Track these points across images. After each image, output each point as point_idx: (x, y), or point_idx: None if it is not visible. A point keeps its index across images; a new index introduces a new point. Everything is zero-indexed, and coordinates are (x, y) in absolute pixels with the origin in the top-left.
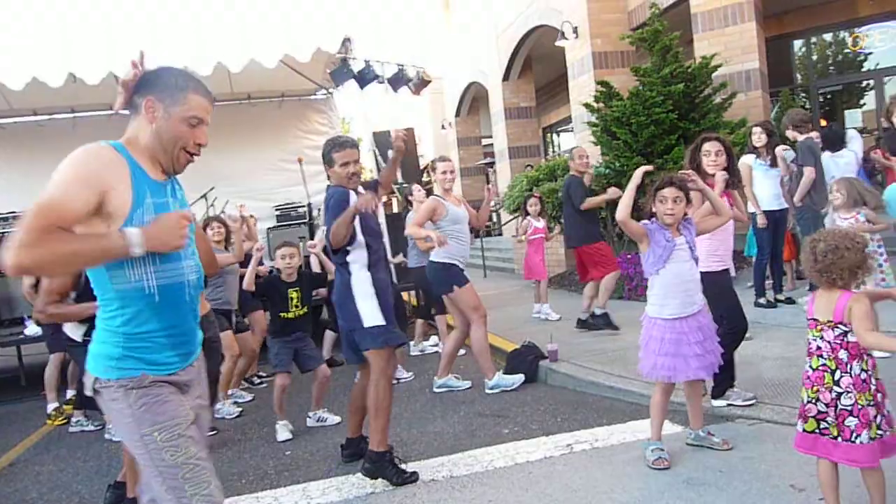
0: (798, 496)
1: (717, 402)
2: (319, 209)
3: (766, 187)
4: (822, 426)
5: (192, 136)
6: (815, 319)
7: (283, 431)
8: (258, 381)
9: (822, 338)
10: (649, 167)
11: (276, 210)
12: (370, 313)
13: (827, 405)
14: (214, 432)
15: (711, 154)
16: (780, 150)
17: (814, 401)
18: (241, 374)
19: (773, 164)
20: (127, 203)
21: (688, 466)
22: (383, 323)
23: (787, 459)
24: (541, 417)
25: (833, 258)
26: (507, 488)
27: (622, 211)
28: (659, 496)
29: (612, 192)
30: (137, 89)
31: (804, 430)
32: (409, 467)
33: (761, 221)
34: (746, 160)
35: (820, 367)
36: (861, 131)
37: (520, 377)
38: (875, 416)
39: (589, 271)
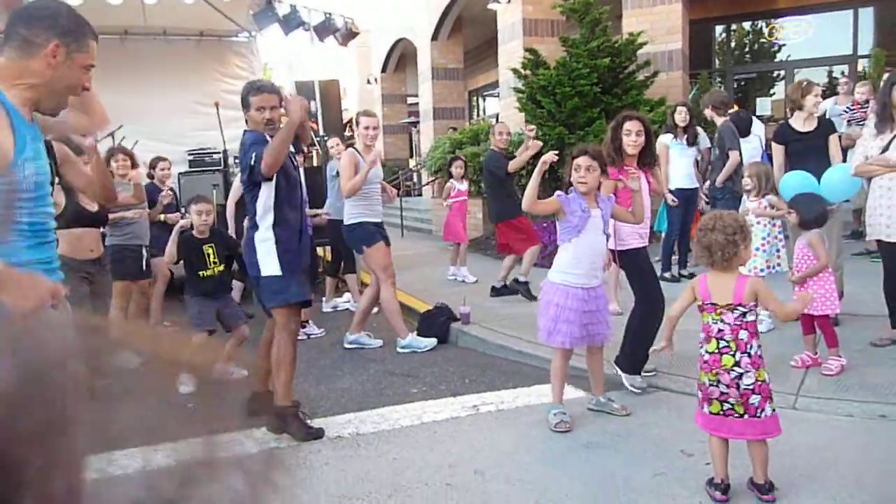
0: (687, 460)
1: (626, 380)
2: (235, 157)
3: (680, 166)
4: (725, 407)
5: (82, 81)
6: (713, 304)
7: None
8: None
9: (722, 321)
10: (553, 157)
11: (190, 155)
12: (269, 262)
13: (728, 386)
14: None
15: (632, 134)
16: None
17: (715, 383)
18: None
19: (690, 143)
20: (9, 149)
21: (588, 430)
22: (279, 273)
23: (680, 426)
24: (449, 378)
25: (699, 237)
26: (412, 447)
27: (528, 199)
28: (560, 457)
29: (533, 145)
30: (29, 22)
31: (710, 413)
32: (316, 423)
33: (671, 199)
34: (664, 139)
35: (719, 350)
36: (770, 119)
37: (432, 341)
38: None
39: (511, 246)
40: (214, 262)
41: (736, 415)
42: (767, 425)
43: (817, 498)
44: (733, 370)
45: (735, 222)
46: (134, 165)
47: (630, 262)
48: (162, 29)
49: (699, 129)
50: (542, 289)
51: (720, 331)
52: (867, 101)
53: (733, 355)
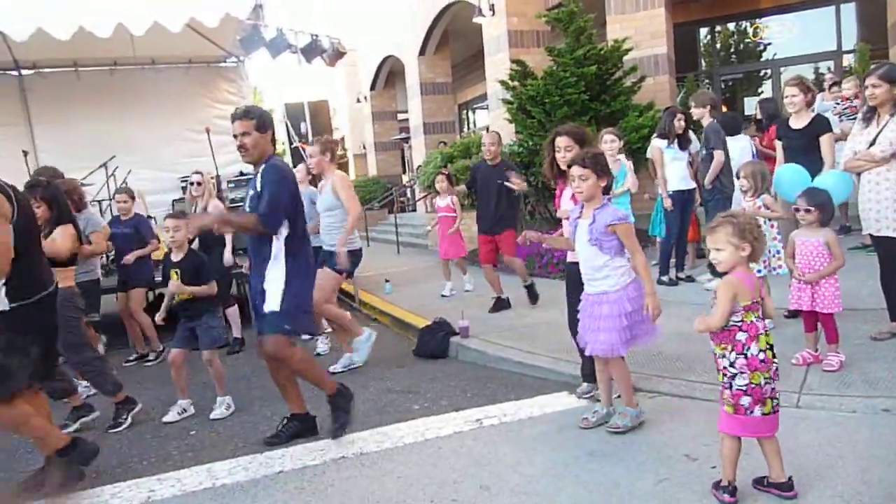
0: (692, 465)
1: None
2: (228, 181)
3: (674, 169)
4: (774, 403)
5: None
6: (756, 302)
7: (172, 412)
8: (154, 357)
9: (759, 317)
10: None
11: (182, 182)
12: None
13: (775, 380)
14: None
15: (561, 150)
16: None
17: (769, 380)
18: None
19: (682, 146)
20: None
21: (591, 439)
22: (277, 310)
23: (683, 431)
24: (451, 393)
25: (759, 234)
26: (416, 464)
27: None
28: (563, 468)
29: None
30: None
31: (763, 414)
32: (319, 445)
33: (668, 204)
34: (658, 143)
35: (768, 346)
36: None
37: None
38: None
39: (497, 255)
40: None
41: (776, 409)
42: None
43: (824, 495)
44: (775, 361)
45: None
46: (132, 199)
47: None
48: (150, 59)
49: (691, 133)
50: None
51: (764, 326)
52: (855, 96)
53: (772, 350)
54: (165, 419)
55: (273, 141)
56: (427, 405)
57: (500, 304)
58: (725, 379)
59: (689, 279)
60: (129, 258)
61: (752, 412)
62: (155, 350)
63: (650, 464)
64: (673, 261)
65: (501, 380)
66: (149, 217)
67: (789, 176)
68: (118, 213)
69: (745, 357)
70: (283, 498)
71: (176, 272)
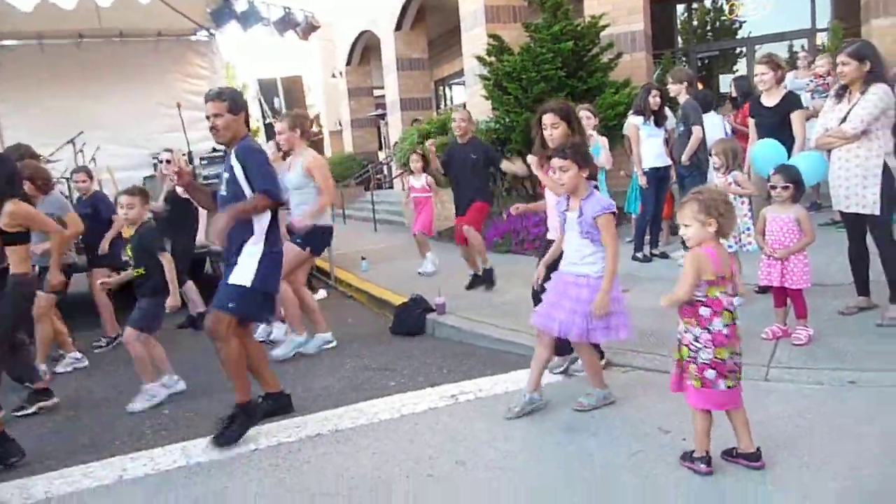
0: (664, 437)
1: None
2: (201, 158)
3: (650, 146)
4: (738, 377)
5: None
6: (722, 277)
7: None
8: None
9: (726, 292)
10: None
11: (154, 158)
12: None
13: (740, 354)
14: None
15: (548, 127)
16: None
17: (732, 355)
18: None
19: (658, 123)
20: None
21: (566, 414)
22: (247, 285)
23: (656, 404)
24: (427, 370)
25: (729, 209)
26: (391, 440)
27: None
28: (540, 443)
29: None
30: None
31: (727, 388)
32: (295, 422)
33: (643, 182)
34: (634, 120)
35: (733, 321)
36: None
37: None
38: None
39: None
40: (134, 266)
41: (739, 381)
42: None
43: (792, 465)
44: (740, 338)
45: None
46: (90, 178)
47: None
48: (118, 31)
49: (667, 110)
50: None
51: (729, 301)
52: (828, 73)
53: (737, 321)
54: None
55: (247, 122)
56: (403, 381)
57: (477, 281)
58: (690, 353)
59: (664, 256)
60: (104, 245)
61: (716, 385)
62: (107, 336)
63: (624, 437)
64: (648, 237)
65: (477, 356)
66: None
67: (765, 151)
68: (77, 192)
69: (709, 332)
70: (257, 475)
71: (129, 249)
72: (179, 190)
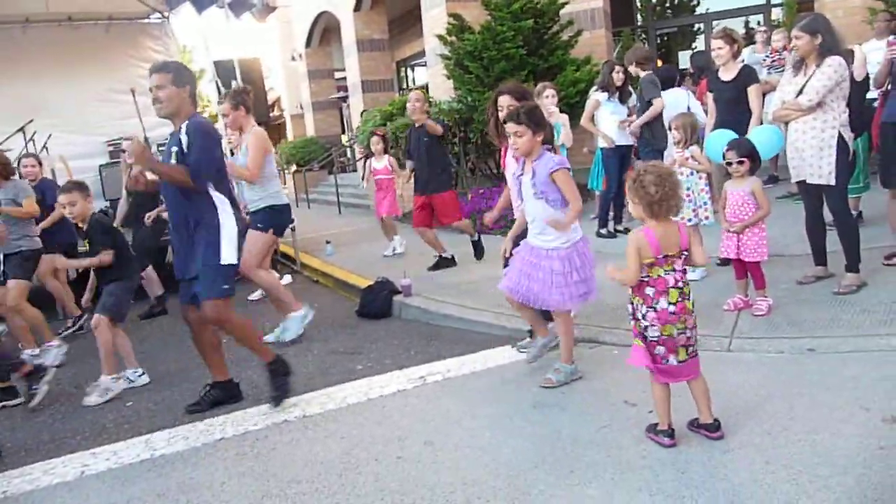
0: (631, 410)
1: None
2: (158, 145)
3: (614, 122)
4: (690, 350)
5: None
6: (666, 256)
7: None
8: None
9: (673, 269)
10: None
11: (109, 146)
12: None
13: (691, 329)
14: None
15: (504, 108)
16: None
17: (683, 331)
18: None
19: (622, 100)
20: None
21: (534, 390)
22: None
23: (623, 378)
24: (394, 352)
25: (669, 186)
26: (360, 424)
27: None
28: (508, 420)
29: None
30: None
31: (679, 362)
32: (262, 410)
33: (608, 142)
34: (597, 96)
35: (681, 298)
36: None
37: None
38: None
39: (437, 218)
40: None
41: (695, 354)
42: (699, 361)
43: (753, 432)
44: (693, 312)
45: (674, 172)
46: (39, 164)
47: None
48: (66, 15)
49: (630, 88)
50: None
51: (676, 280)
52: (784, 48)
53: (688, 297)
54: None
55: (193, 98)
56: (371, 365)
57: (443, 262)
58: (641, 327)
59: (627, 231)
60: (36, 230)
61: (667, 361)
62: (70, 315)
63: (592, 411)
64: (612, 214)
65: (444, 336)
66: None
67: (719, 142)
68: (25, 177)
69: (655, 310)
70: (223, 465)
71: (86, 243)
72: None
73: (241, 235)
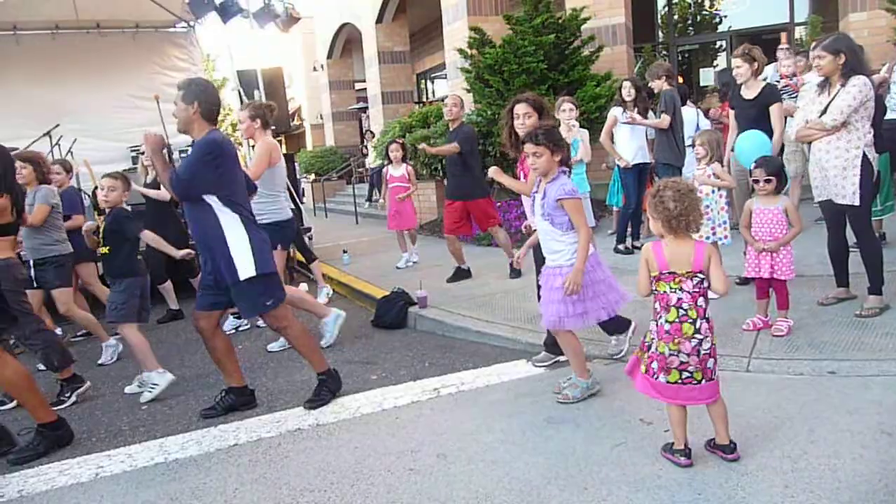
0: (646, 428)
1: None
2: (179, 151)
3: (632, 140)
4: (684, 376)
5: None
6: (672, 273)
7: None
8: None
9: (681, 289)
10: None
11: (132, 151)
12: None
13: (689, 354)
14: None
15: (520, 117)
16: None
17: (675, 353)
18: None
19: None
20: None
21: (548, 406)
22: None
23: (638, 396)
24: (409, 363)
25: (688, 202)
26: (373, 434)
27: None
28: (522, 435)
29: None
30: None
31: (668, 382)
32: (275, 417)
33: (623, 162)
34: (615, 112)
35: (679, 319)
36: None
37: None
38: None
39: (476, 224)
40: (103, 241)
41: (694, 381)
42: (714, 388)
43: (773, 455)
44: (694, 338)
45: (694, 188)
46: (68, 171)
47: None
48: (95, 22)
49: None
50: None
51: (679, 299)
52: (793, 74)
53: (693, 323)
54: (127, 389)
55: (207, 114)
56: (385, 375)
57: (460, 274)
58: (648, 338)
59: None
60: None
61: (657, 377)
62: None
63: (606, 429)
64: (630, 230)
65: (459, 349)
66: (96, 188)
67: (749, 143)
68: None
69: (657, 324)
70: (236, 471)
71: (103, 223)
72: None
73: (264, 243)
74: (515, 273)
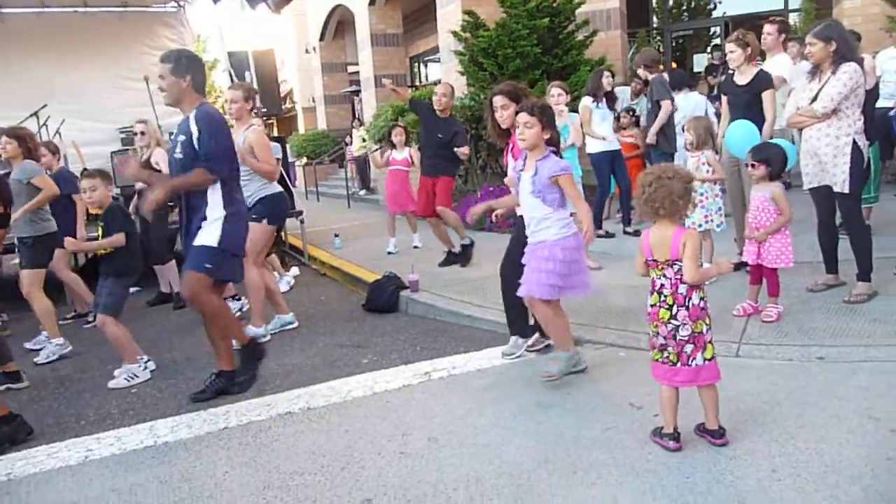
0: (636, 413)
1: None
2: (170, 133)
3: (602, 128)
4: (664, 356)
5: None
6: (654, 260)
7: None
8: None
9: (664, 275)
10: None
11: (122, 133)
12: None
13: (665, 337)
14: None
15: (498, 109)
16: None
17: (655, 334)
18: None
19: (609, 106)
20: None
21: (538, 389)
22: (214, 245)
23: (629, 380)
24: (400, 347)
25: (656, 187)
26: (364, 417)
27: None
28: (512, 419)
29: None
30: None
31: (653, 359)
32: (266, 401)
33: (586, 161)
34: (586, 102)
35: (659, 304)
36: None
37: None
38: (710, 339)
39: (434, 202)
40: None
41: (669, 363)
42: (699, 372)
43: (761, 440)
44: (670, 323)
45: (688, 174)
46: (54, 153)
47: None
48: (82, 1)
49: (617, 91)
50: None
51: (661, 286)
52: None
53: (669, 309)
54: (111, 384)
55: (199, 87)
56: (376, 359)
57: (451, 258)
58: None
59: (637, 233)
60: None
61: (651, 353)
62: (91, 310)
63: (597, 413)
64: (620, 215)
65: (451, 333)
66: (84, 171)
67: (738, 134)
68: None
69: (649, 306)
70: (227, 454)
71: (100, 226)
72: (155, 162)
73: (240, 221)
74: (456, 258)
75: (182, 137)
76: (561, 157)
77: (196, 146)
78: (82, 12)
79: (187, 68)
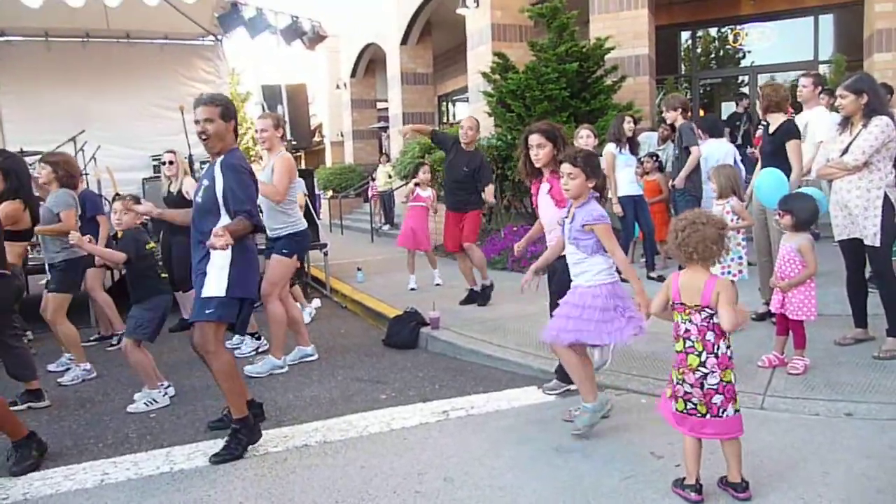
0: (657, 462)
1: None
2: (201, 162)
3: (625, 174)
4: (688, 406)
5: None
6: (682, 304)
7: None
8: (116, 341)
9: (690, 321)
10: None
11: (154, 160)
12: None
13: (692, 385)
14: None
15: (534, 147)
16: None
17: (681, 381)
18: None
19: (632, 151)
20: None
21: (558, 434)
22: (222, 295)
23: (650, 428)
24: (419, 384)
25: (689, 232)
26: (380, 454)
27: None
28: (530, 462)
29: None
30: None
31: (676, 410)
32: (283, 432)
33: (618, 209)
34: (610, 148)
35: (686, 350)
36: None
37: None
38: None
39: (462, 237)
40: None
41: (698, 414)
42: (728, 425)
43: (786, 497)
44: (698, 370)
45: (721, 220)
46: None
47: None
48: (125, 32)
49: (640, 138)
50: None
51: (687, 331)
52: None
53: (699, 356)
54: (130, 409)
55: (235, 131)
56: (394, 395)
57: (473, 297)
58: None
59: (661, 279)
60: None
61: (671, 402)
62: (116, 333)
63: (616, 460)
64: (644, 260)
65: (470, 372)
66: (116, 195)
67: (767, 182)
68: None
69: (675, 352)
70: (242, 485)
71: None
72: (185, 192)
73: (248, 263)
74: (477, 296)
75: (206, 182)
76: (604, 204)
77: (219, 195)
78: (125, 43)
79: (233, 114)
